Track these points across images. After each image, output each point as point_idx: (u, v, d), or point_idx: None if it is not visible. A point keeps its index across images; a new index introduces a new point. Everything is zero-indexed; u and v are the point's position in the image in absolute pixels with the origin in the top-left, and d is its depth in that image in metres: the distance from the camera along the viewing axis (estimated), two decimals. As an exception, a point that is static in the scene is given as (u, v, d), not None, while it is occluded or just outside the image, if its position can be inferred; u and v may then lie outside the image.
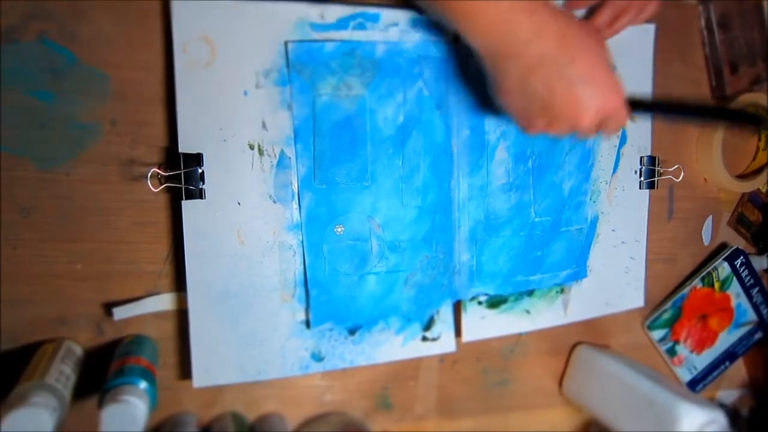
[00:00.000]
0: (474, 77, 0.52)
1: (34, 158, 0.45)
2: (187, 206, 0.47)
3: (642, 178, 0.63)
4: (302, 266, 0.52)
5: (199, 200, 0.47)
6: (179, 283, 0.50)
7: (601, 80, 0.44)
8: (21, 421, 0.38)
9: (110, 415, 0.40)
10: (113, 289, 0.48)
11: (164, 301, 0.50)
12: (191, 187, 0.47)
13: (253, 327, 0.51)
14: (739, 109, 0.61)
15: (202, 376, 0.50)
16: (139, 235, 0.48)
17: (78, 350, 0.47)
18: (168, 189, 0.48)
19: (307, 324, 0.53)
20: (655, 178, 0.63)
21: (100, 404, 0.41)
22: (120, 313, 0.48)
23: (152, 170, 0.46)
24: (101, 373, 0.45)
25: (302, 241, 0.51)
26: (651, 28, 0.61)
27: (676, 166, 0.62)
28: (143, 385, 0.43)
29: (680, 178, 0.62)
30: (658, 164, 0.63)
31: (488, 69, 0.46)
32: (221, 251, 0.49)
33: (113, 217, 0.47)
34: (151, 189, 0.46)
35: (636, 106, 0.48)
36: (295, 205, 0.50)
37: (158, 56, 0.46)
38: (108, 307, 0.48)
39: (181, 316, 0.50)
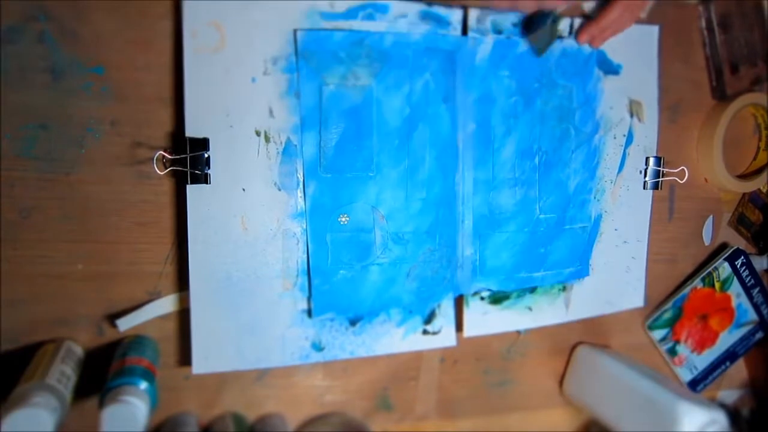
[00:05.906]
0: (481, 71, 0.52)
1: (35, 158, 0.45)
2: (192, 191, 0.47)
3: (646, 179, 0.63)
4: (305, 255, 0.52)
5: (204, 185, 0.47)
6: (180, 284, 0.50)
7: None
8: (21, 421, 0.38)
9: (111, 415, 0.40)
10: (114, 290, 0.48)
11: (165, 305, 0.50)
12: (197, 172, 0.47)
13: (254, 314, 0.51)
14: None
15: (201, 363, 0.49)
16: (139, 236, 0.48)
17: (78, 350, 0.47)
18: (173, 173, 0.48)
19: (309, 313, 0.53)
20: (660, 179, 0.63)
21: (101, 405, 0.41)
22: (124, 324, 0.48)
23: (158, 153, 0.46)
24: (102, 373, 0.45)
25: (306, 230, 0.51)
26: (654, 29, 0.61)
27: (680, 168, 0.62)
28: (144, 385, 0.43)
29: (684, 180, 0.62)
30: (663, 165, 0.63)
31: None
32: (225, 237, 0.49)
33: (114, 217, 0.47)
34: (155, 173, 0.46)
35: None
36: (299, 194, 0.51)
37: (159, 55, 0.46)
38: (111, 318, 0.48)
39: (182, 316, 0.50)
